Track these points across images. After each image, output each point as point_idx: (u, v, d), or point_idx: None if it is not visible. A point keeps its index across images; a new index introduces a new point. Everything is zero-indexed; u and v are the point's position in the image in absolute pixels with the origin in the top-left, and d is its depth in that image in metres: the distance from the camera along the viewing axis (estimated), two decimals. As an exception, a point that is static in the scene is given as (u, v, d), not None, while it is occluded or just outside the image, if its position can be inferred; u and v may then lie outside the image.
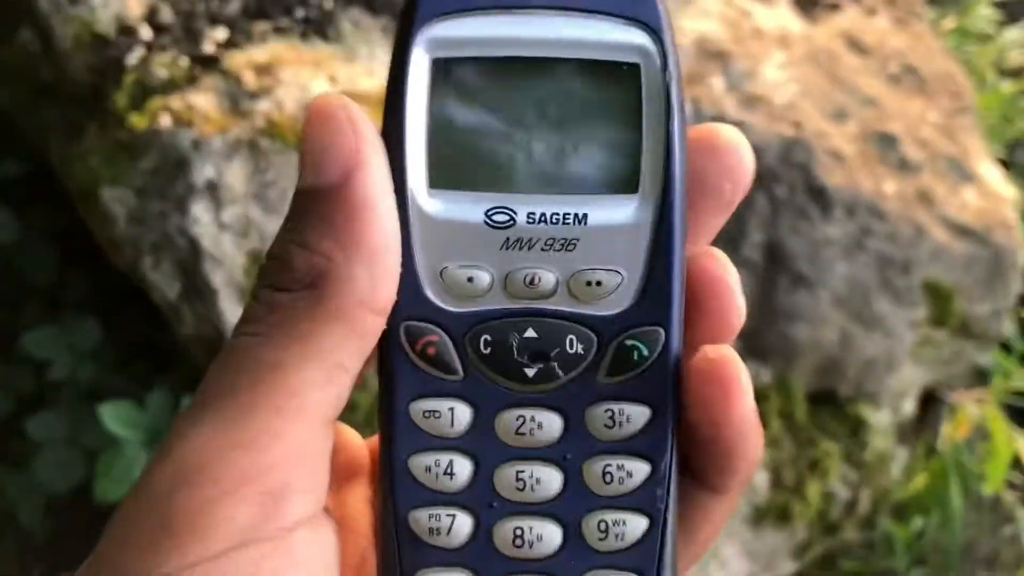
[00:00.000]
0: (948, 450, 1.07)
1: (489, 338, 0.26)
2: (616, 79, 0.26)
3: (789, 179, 0.90)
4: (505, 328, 0.26)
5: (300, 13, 0.92)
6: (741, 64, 0.94)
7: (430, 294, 0.26)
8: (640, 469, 0.26)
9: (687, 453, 0.27)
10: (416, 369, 0.26)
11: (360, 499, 0.29)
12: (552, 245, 0.26)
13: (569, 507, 0.26)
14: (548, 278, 0.26)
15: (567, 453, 0.26)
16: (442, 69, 0.26)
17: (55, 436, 0.97)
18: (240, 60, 0.88)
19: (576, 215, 0.26)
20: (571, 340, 0.26)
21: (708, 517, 0.27)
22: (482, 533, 0.26)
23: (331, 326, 0.24)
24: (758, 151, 0.91)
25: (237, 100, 0.86)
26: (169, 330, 0.87)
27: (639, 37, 0.26)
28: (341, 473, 0.29)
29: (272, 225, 0.82)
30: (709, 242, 0.27)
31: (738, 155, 0.26)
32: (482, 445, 0.26)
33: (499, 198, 0.26)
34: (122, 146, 0.85)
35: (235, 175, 0.82)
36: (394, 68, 0.25)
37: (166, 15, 0.91)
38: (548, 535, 0.26)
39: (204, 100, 0.86)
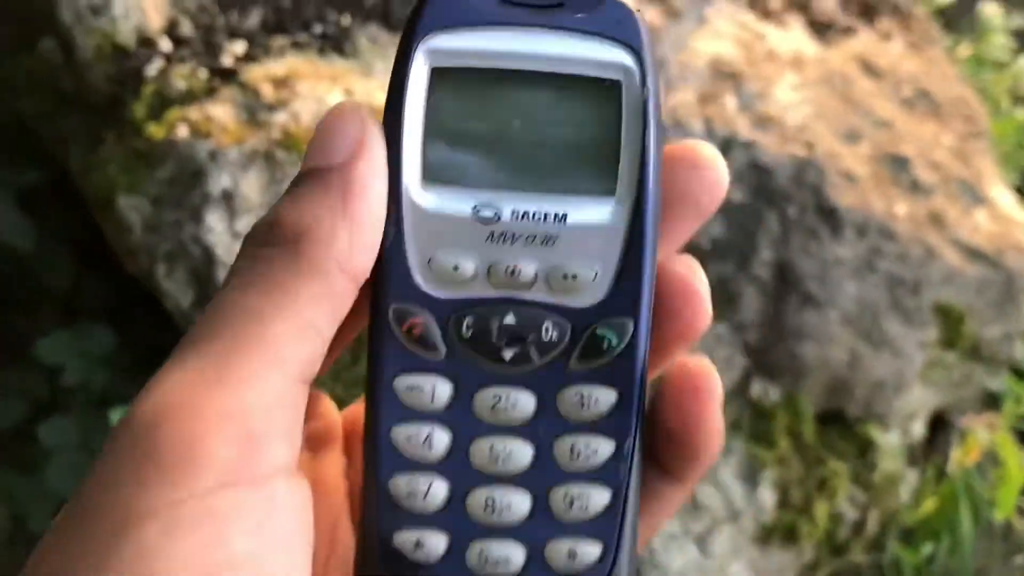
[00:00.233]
0: (958, 474, 1.07)
1: (471, 321, 0.28)
2: (599, 93, 0.28)
3: (800, 199, 0.90)
4: (486, 313, 0.28)
5: (318, 29, 0.93)
6: (754, 85, 0.95)
7: (419, 280, 0.28)
8: (605, 447, 0.28)
9: (654, 445, 0.29)
10: (402, 348, 0.28)
11: (334, 467, 0.30)
12: (533, 240, 0.28)
13: (538, 479, 0.28)
14: (528, 270, 0.28)
15: (539, 430, 0.28)
16: (440, 76, 0.28)
17: (67, 442, 0.98)
18: (258, 73, 0.89)
19: (556, 214, 0.28)
20: (547, 327, 0.28)
21: (665, 504, 0.30)
22: (456, 499, 0.28)
23: (306, 281, 0.26)
24: (770, 171, 0.92)
25: (254, 112, 0.87)
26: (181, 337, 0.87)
27: (621, 56, 0.28)
28: (317, 440, 0.30)
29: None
30: (680, 247, 0.30)
31: (716, 171, 0.28)
32: (460, 419, 0.28)
33: (486, 195, 0.28)
34: (139, 155, 0.87)
35: (251, 185, 0.83)
36: (396, 74, 0.28)
37: (186, 28, 0.92)
38: (517, 504, 0.28)
39: (222, 111, 0.87)
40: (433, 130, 0.28)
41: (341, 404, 0.33)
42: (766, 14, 1.06)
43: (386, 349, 0.28)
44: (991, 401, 1.07)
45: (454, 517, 0.28)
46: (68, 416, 1.00)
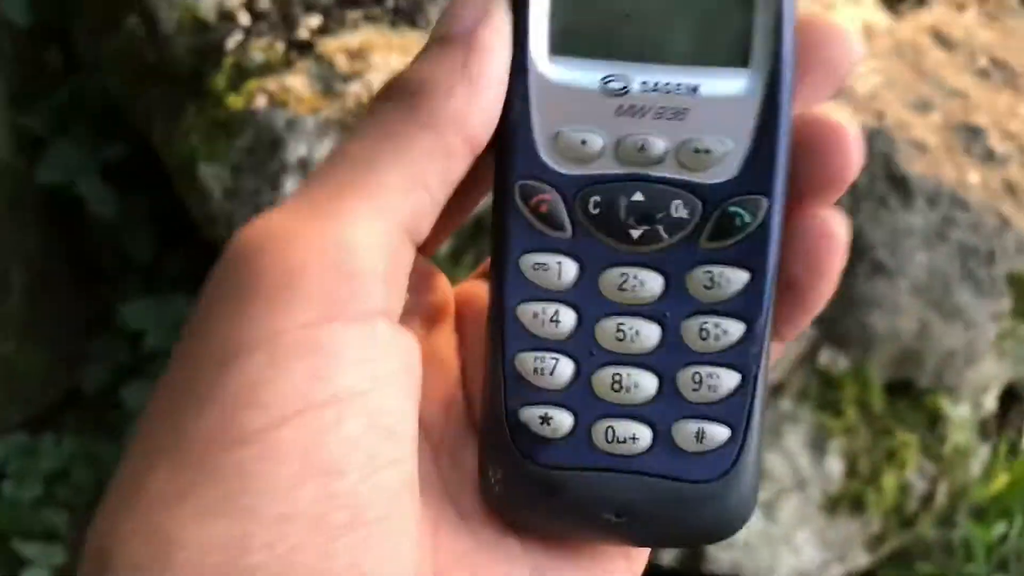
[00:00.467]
0: (1032, 451, 1.05)
1: (598, 199, 0.27)
2: None
3: (870, 168, 0.90)
4: (614, 191, 0.27)
5: (391, 2, 0.95)
6: (824, 54, 0.94)
7: (545, 156, 0.27)
8: (735, 328, 0.27)
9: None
10: (528, 225, 0.27)
11: (448, 343, 0.30)
12: (663, 114, 0.27)
13: (665, 360, 0.28)
14: (658, 145, 0.27)
15: (666, 311, 0.27)
16: None
17: (149, 404, 1.01)
18: (333, 45, 0.92)
19: (688, 85, 0.27)
20: (676, 205, 0.27)
21: None
22: (582, 378, 0.28)
23: (419, 133, 0.25)
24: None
25: (330, 82, 0.89)
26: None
27: None
28: (431, 315, 0.30)
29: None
30: None
31: (847, 38, 0.27)
32: (586, 298, 0.27)
33: (615, 66, 0.27)
34: (219, 125, 0.90)
35: (326, 153, 0.86)
36: None
37: (264, 3, 0.95)
38: (644, 383, 0.27)
39: (298, 82, 0.89)
40: (560, 1, 0.27)
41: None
42: (837, -15, 1.05)
43: (512, 227, 0.27)
44: (1067, 376, 1.05)
45: (580, 395, 0.28)
46: (150, 380, 1.03)
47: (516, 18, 0.27)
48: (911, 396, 0.92)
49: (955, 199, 0.90)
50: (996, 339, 0.92)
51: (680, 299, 0.27)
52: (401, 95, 0.26)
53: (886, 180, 0.90)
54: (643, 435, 0.27)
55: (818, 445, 0.90)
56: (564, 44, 0.27)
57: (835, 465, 0.90)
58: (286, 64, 0.91)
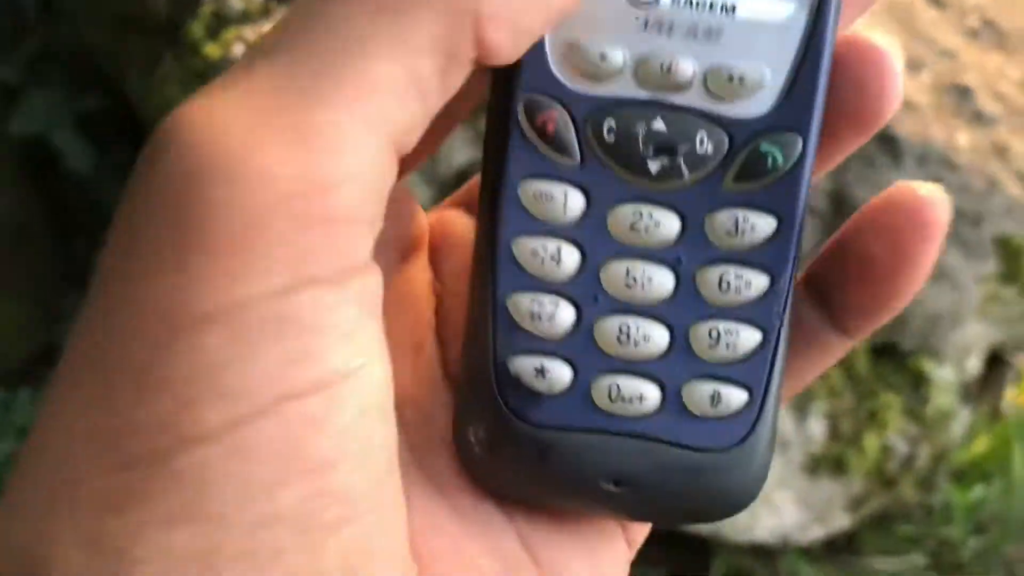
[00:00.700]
0: (1013, 415, 1.05)
1: (613, 124, 0.24)
2: None
3: (859, 127, 0.89)
4: (632, 116, 0.24)
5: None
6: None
7: (555, 70, 0.24)
8: (759, 281, 0.24)
9: (830, 288, 0.25)
10: (531, 148, 0.24)
11: (422, 278, 0.26)
12: (695, 33, 0.24)
13: (678, 312, 0.25)
14: (686, 67, 0.24)
15: (681, 257, 0.24)
16: None
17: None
18: (314, -5, 0.90)
19: (724, 4, 0.24)
20: (701, 138, 0.24)
21: (824, 358, 0.26)
22: (584, 326, 0.24)
23: (428, 13, 0.20)
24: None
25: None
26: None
27: None
28: (402, 245, 0.26)
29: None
30: None
31: None
32: (592, 237, 0.24)
33: None
34: (197, 74, 0.88)
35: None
36: None
37: (243, -50, 0.93)
38: (655, 336, 0.24)
39: (278, 32, 0.88)
40: None
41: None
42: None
43: (512, 148, 0.24)
44: (1050, 341, 1.05)
45: (582, 345, 0.24)
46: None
47: None
48: (896, 358, 0.92)
49: (944, 160, 0.89)
50: (981, 302, 0.92)
51: (697, 244, 0.24)
52: None
53: (875, 139, 0.88)
54: (651, 395, 0.24)
55: (801, 406, 0.89)
56: None
57: (817, 427, 0.90)
58: (264, 13, 0.89)
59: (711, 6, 0.24)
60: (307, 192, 0.19)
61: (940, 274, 0.89)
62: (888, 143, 0.89)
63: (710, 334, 0.24)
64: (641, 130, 0.24)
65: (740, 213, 0.24)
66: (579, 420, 0.24)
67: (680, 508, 0.26)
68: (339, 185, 0.19)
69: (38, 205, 1.19)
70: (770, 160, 0.24)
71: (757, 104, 0.24)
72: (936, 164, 0.89)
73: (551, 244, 0.24)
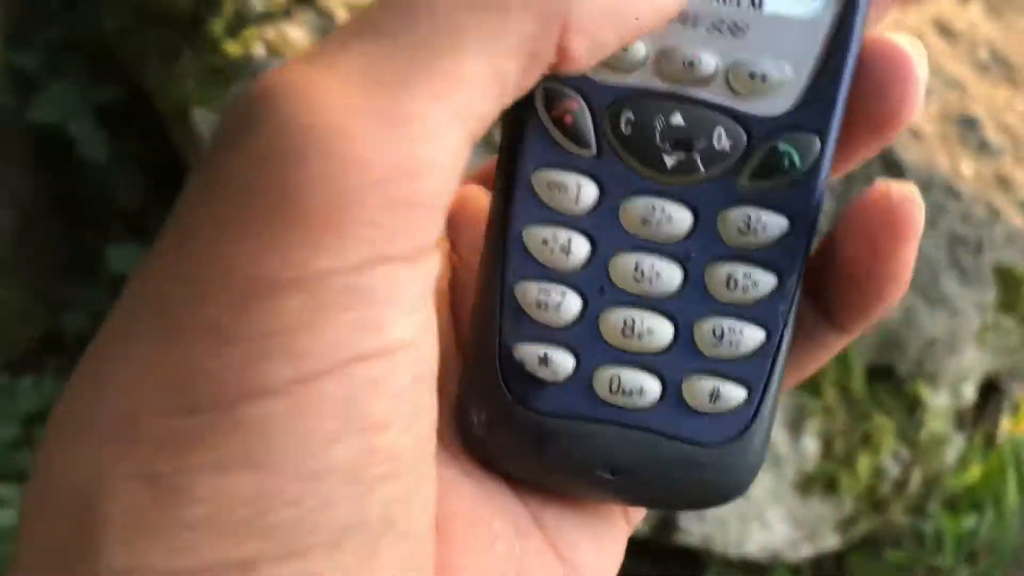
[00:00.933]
0: (1007, 444, 1.06)
1: (632, 117, 0.24)
2: None
3: (865, 152, 0.90)
4: (650, 109, 0.24)
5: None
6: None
7: None
8: (766, 281, 0.24)
9: (824, 283, 0.25)
10: (547, 137, 0.24)
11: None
12: (719, 27, 0.24)
13: (684, 307, 0.25)
14: (708, 62, 0.24)
15: (691, 252, 0.25)
16: None
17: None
18: (334, -2, 0.91)
19: None
20: (719, 134, 0.24)
21: (821, 352, 0.27)
22: (589, 317, 0.25)
23: (519, 15, 0.20)
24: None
25: (328, 34, 0.88)
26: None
27: None
28: None
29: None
30: None
31: None
32: (603, 228, 0.24)
33: None
34: (216, 71, 0.89)
35: None
36: None
37: (267, -49, 0.94)
38: (660, 330, 0.25)
39: (297, 32, 0.89)
40: None
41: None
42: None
43: (527, 136, 0.24)
44: (1046, 372, 1.06)
45: (586, 336, 0.25)
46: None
47: None
48: (891, 381, 0.93)
49: (947, 188, 0.90)
50: (979, 330, 0.93)
51: (708, 241, 0.24)
52: None
53: (880, 164, 0.90)
54: (651, 388, 0.25)
55: (796, 424, 0.90)
56: None
57: (811, 445, 0.90)
58: (286, 14, 0.90)
59: (739, 1, 0.24)
60: (396, 178, 0.20)
61: (938, 300, 0.90)
62: (893, 169, 0.90)
63: (714, 331, 0.25)
64: (659, 123, 0.24)
65: (752, 211, 0.24)
66: (579, 409, 0.25)
67: (671, 496, 0.27)
68: (425, 173, 0.20)
69: (49, 193, 1.20)
70: (787, 160, 0.24)
71: (778, 102, 0.24)
72: (940, 191, 0.90)
73: (562, 234, 0.25)
